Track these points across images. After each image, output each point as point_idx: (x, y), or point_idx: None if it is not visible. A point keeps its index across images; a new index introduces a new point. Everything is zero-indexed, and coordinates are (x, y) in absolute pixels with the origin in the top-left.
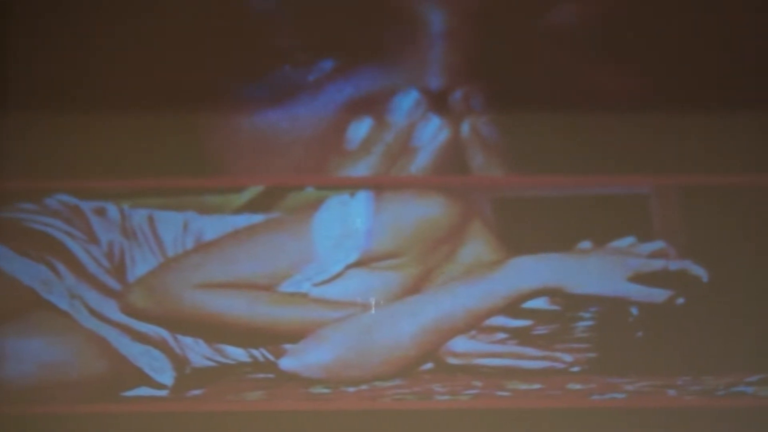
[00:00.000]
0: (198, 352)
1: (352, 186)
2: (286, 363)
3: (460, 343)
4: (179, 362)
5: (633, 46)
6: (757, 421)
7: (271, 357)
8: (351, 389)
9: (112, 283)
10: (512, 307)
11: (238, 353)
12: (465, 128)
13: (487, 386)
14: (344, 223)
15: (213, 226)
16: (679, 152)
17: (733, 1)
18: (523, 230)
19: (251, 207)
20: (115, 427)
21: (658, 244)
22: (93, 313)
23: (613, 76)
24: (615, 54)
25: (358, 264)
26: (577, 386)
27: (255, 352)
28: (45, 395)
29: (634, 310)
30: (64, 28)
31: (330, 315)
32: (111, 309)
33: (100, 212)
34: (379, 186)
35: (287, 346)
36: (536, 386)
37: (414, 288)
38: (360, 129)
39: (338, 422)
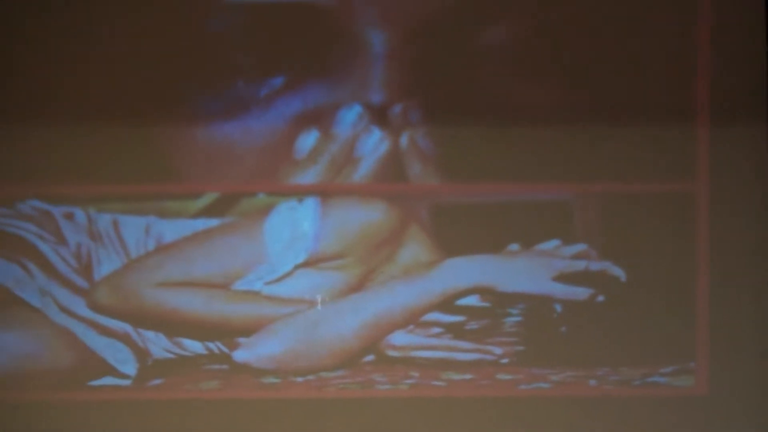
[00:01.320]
0: (158, 345)
1: (301, 193)
2: (239, 355)
3: (399, 337)
4: (141, 354)
5: (556, 65)
6: (669, 409)
7: (225, 350)
8: (299, 379)
9: (80, 281)
10: (446, 304)
11: (195, 346)
12: (404, 140)
13: (424, 377)
14: (293, 227)
15: (172, 230)
16: (598, 162)
17: (644, 28)
18: (456, 234)
19: (208, 212)
20: (82, 413)
21: (580, 247)
22: (62, 309)
23: (539, 93)
24: (540, 72)
25: (306, 264)
26: (506, 377)
27: (211, 345)
28: (16, 384)
29: (558, 307)
30: (34, 42)
31: (280, 311)
32: (79, 305)
33: (69, 216)
34: (325, 193)
35: (241, 339)
36: (468, 376)
37: (357, 286)
38: (307, 140)
39: (287, 410)
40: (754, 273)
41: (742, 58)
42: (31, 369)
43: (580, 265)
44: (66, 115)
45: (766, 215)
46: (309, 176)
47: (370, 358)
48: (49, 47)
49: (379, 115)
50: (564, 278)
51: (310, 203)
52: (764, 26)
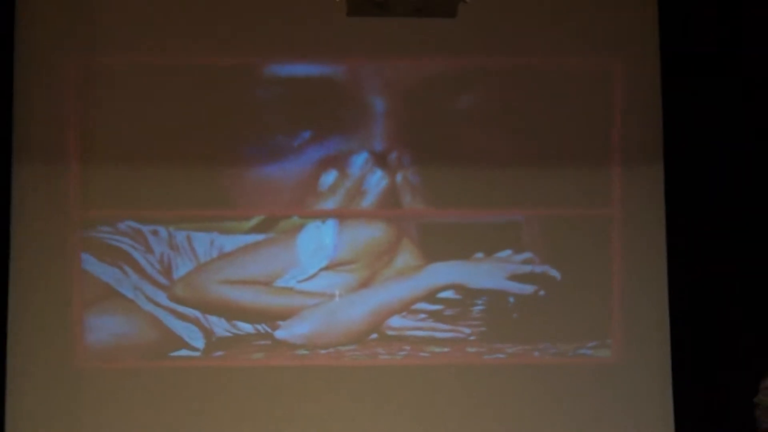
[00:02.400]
0: (220, 326)
1: (323, 216)
2: (279, 334)
3: (395, 321)
4: (207, 333)
5: (510, 123)
6: (592, 373)
7: (269, 330)
8: (322, 351)
9: (163, 280)
10: (430, 297)
11: (246, 327)
12: (398, 177)
13: (413, 349)
14: (318, 241)
15: (230, 243)
16: (540, 193)
17: (575, 97)
18: (437, 245)
19: (256, 230)
20: (164, 377)
21: (526, 255)
22: (149, 300)
23: (497, 143)
24: (498, 128)
25: (327, 268)
26: (473, 349)
27: (258, 327)
28: (115, 355)
29: (511, 299)
30: (132, 103)
31: (308, 302)
32: (162, 297)
33: (155, 233)
34: (341, 216)
35: (280, 322)
36: (446, 349)
37: (364, 284)
38: (328, 178)
39: (314, 374)
40: (654, 275)
41: (643, 117)
42: (126, 344)
43: (527, 268)
44: (154, 159)
45: (661, 231)
46: (329, 204)
47: (374, 336)
48: (144, 109)
49: (380, 160)
50: (515, 278)
51: (331, 224)
52: (660, 96)
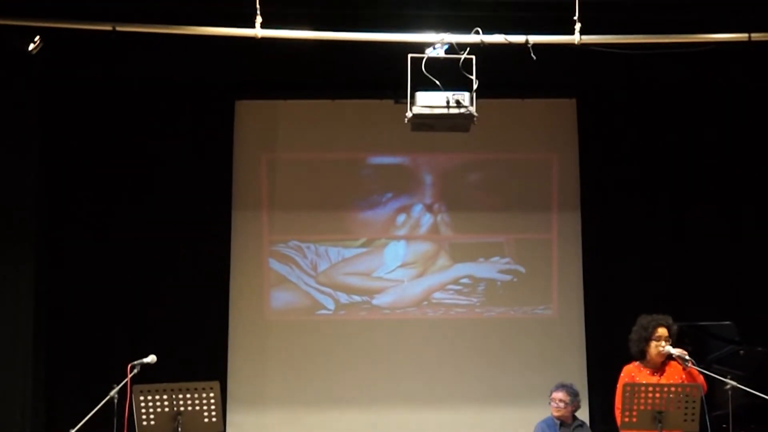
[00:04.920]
0: (343, 297)
1: (398, 238)
2: (374, 301)
3: (437, 295)
4: (336, 301)
5: (498, 189)
6: (543, 323)
7: (368, 299)
8: (398, 311)
9: (312, 273)
10: (455, 282)
11: (356, 298)
12: (438, 218)
13: (446, 310)
14: (395, 252)
15: (348, 253)
16: (514, 225)
17: (531, 166)
18: (459, 254)
19: (362, 245)
20: (313, 325)
21: (507, 259)
22: (305, 283)
23: (492, 198)
24: (492, 191)
25: (400, 266)
26: (478, 310)
27: (363, 297)
28: (286, 313)
29: (498, 283)
30: (297, 172)
31: (390, 285)
32: (312, 282)
33: (308, 247)
34: (408, 238)
35: (375, 295)
36: (463, 310)
37: (420, 275)
38: (401, 218)
39: (392, 324)
40: (575, 271)
41: (568, 186)
42: (292, 307)
43: (507, 266)
44: (306, 208)
45: (579, 246)
46: (402, 231)
47: (425, 303)
48: (303, 183)
49: (428, 208)
50: (501, 272)
51: (402, 242)
52: (578, 179)
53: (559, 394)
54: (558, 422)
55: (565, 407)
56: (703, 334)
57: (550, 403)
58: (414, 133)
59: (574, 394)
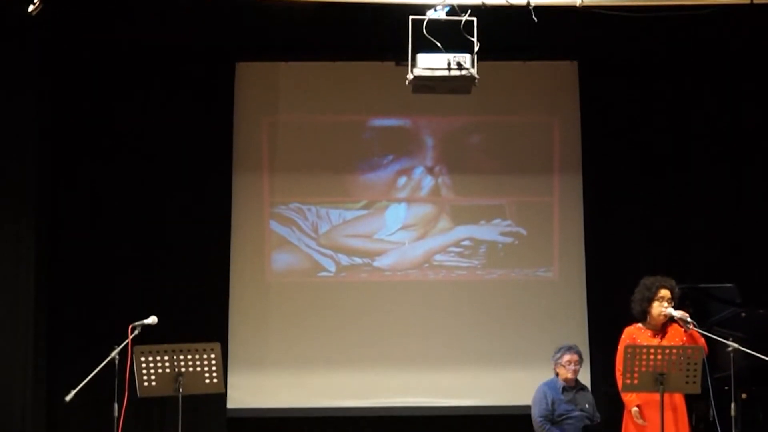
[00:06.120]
0: (344, 259)
1: (399, 201)
2: (375, 263)
3: (438, 257)
4: (337, 263)
5: (499, 150)
6: (544, 285)
7: (369, 261)
8: (398, 273)
9: (313, 234)
10: (456, 244)
11: (357, 260)
12: (439, 180)
13: (447, 273)
14: (396, 214)
15: (349, 215)
16: (515, 188)
17: (532, 128)
18: (460, 216)
19: (363, 207)
20: (313, 288)
21: (508, 222)
22: (306, 245)
23: (493, 161)
24: (493, 153)
25: (401, 228)
26: (479, 272)
27: (364, 259)
28: (287, 275)
29: (500, 246)
30: (298, 134)
31: (391, 247)
32: (313, 244)
33: (308, 210)
34: (408, 201)
35: (376, 257)
36: (464, 272)
37: (421, 237)
38: (402, 180)
39: (393, 286)
40: (576, 234)
41: (570, 147)
42: (293, 269)
43: (508, 228)
44: (307, 171)
45: (580, 208)
46: (402, 194)
47: (426, 265)
48: (304, 144)
49: (429, 171)
50: (502, 234)
51: (403, 205)
52: (579, 128)
53: (574, 356)
54: (561, 385)
55: (578, 369)
56: (705, 296)
57: (561, 367)
58: (415, 95)
59: (581, 355)
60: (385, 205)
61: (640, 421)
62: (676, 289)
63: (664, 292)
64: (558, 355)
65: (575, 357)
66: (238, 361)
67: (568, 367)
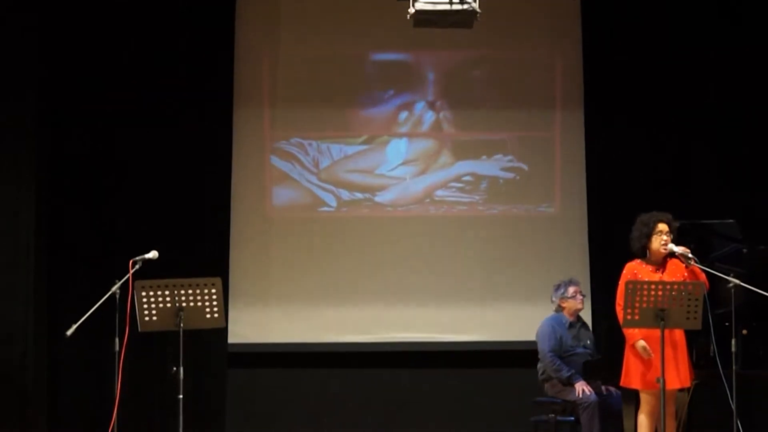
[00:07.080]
0: (345, 194)
1: (400, 135)
2: (377, 198)
3: (439, 192)
4: (338, 198)
5: (502, 84)
6: (546, 220)
7: (371, 196)
8: (400, 208)
9: (314, 169)
10: (457, 179)
11: (358, 195)
12: (440, 115)
13: (448, 208)
14: (397, 148)
15: (350, 149)
16: (517, 123)
17: (535, 64)
18: (461, 151)
19: (364, 142)
20: (315, 221)
21: (510, 156)
22: (307, 180)
23: (495, 95)
24: (495, 86)
25: (402, 164)
26: (480, 208)
27: (365, 194)
28: (288, 210)
29: (501, 181)
30: (301, 69)
31: (392, 182)
32: (314, 179)
33: (309, 144)
34: (410, 135)
35: (377, 192)
36: (465, 208)
37: (422, 172)
38: (403, 115)
39: (395, 221)
40: (578, 171)
41: (571, 85)
42: (293, 204)
43: (510, 164)
44: (307, 104)
45: (582, 145)
46: (404, 129)
47: (427, 200)
48: (297, 77)
49: (431, 105)
50: (503, 169)
51: (404, 140)
52: (581, 62)
53: (578, 287)
54: (568, 321)
55: (583, 299)
56: (706, 232)
57: (569, 300)
58: (416, 29)
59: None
60: (386, 140)
61: (646, 355)
62: (674, 224)
63: (662, 226)
64: (562, 290)
65: (578, 287)
66: (239, 296)
67: (577, 297)
